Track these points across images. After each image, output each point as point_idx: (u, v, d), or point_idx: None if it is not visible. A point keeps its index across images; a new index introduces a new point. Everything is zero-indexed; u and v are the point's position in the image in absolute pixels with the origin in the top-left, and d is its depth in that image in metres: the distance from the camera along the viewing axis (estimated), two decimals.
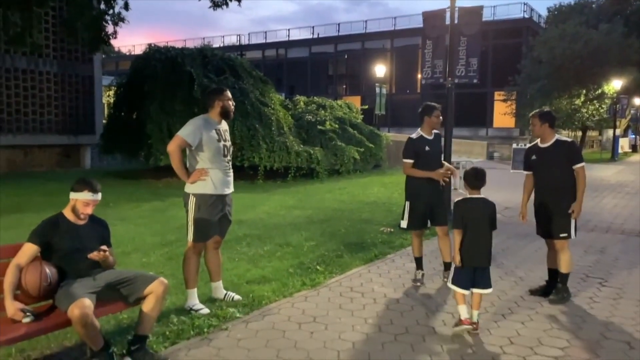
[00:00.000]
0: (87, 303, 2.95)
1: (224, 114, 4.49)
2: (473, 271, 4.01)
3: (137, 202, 11.07)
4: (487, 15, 39.30)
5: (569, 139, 5.06)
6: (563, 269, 4.78)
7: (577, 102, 27.54)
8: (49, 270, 3.13)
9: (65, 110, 18.66)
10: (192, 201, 4.37)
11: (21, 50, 16.00)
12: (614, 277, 5.59)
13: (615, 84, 27.34)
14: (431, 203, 5.23)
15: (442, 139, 5.72)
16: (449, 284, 4.12)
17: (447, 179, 5.31)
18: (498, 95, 36.91)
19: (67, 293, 3.05)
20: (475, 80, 8.47)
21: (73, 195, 3.35)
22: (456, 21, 8.34)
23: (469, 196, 4.21)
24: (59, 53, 18.28)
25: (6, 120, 16.97)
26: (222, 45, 51.07)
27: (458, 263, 4.02)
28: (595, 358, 3.58)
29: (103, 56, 20.26)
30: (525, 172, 5.12)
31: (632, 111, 38.08)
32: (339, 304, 4.60)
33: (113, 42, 15.90)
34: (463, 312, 3.98)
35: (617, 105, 29.02)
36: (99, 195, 3.41)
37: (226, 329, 3.96)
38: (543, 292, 4.91)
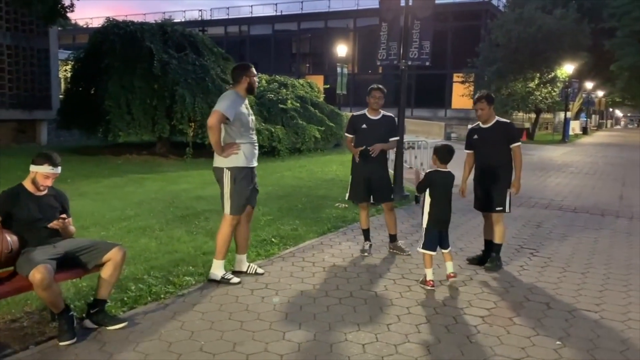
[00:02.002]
0: (48, 268, 3.14)
1: (250, 90, 4.60)
2: (439, 234, 4.65)
3: (96, 178, 11.06)
4: None
5: (507, 120, 5.45)
6: (497, 239, 5.21)
7: (532, 85, 28.45)
8: (10, 238, 3.30)
9: (20, 84, 18.15)
10: (227, 175, 4.47)
11: None
12: (545, 248, 6.08)
13: (567, 68, 28.35)
14: (370, 179, 5.53)
15: (395, 120, 5.94)
16: (419, 249, 4.71)
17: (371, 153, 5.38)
18: (457, 77, 37.66)
19: (28, 259, 3.23)
20: (427, 63, 8.79)
21: (33, 168, 3.49)
22: (410, 3, 8.62)
23: (438, 169, 4.72)
24: (12, 25, 17.70)
25: None
26: (183, 20, 50.13)
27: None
28: (515, 316, 4.00)
29: (59, 29, 19.64)
30: (467, 151, 5.47)
31: (583, 95, 39.55)
32: (290, 272, 4.90)
33: (70, 14, 15.43)
34: (429, 274, 4.63)
35: (569, 89, 30.17)
36: (59, 169, 3.57)
37: (182, 295, 4.21)
38: (479, 260, 5.34)
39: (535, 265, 5.38)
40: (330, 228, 6.70)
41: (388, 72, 38.70)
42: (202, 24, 48.32)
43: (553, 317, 4.01)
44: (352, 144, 5.65)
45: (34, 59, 18.55)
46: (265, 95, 18.32)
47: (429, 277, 4.62)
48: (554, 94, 29.13)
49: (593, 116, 61.35)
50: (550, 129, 45.62)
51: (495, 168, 5.16)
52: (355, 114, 5.73)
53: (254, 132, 4.69)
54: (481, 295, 4.46)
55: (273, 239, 5.98)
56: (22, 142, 18.51)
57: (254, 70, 4.64)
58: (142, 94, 14.89)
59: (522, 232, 6.89)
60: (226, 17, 51.11)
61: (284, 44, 48.30)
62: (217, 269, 4.59)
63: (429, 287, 4.56)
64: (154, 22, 17.59)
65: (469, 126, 5.91)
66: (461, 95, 36.04)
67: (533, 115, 33.21)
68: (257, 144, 4.72)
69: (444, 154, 4.73)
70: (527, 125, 34.15)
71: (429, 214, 4.66)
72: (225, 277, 4.56)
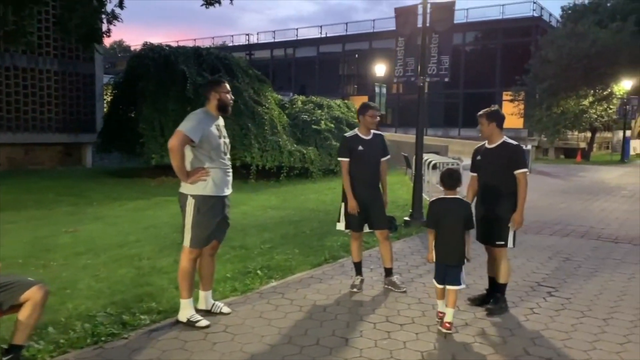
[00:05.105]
0: None
1: (221, 108, 4.16)
2: (444, 268, 4.13)
3: (122, 201, 11.02)
4: (495, 14, 38.93)
5: (515, 143, 4.75)
6: (501, 279, 4.53)
7: (585, 102, 26.89)
8: None
9: (66, 108, 18.75)
10: (190, 203, 4.02)
11: (21, 49, 16.06)
12: (567, 286, 5.29)
13: (625, 84, 26.63)
14: (366, 205, 4.99)
15: (385, 139, 5.39)
16: (433, 280, 4.25)
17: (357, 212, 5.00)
18: (506, 95, 36.28)
19: None
20: (446, 79, 8.20)
21: None
22: (428, 17, 8.08)
23: (443, 196, 4.26)
24: (59, 51, 18.35)
25: (6, 118, 17.09)
26: (231, 44, 51.20)
27: (431, 260, 4.20)
28: None
29: (119, 55, 20.30)
30: (471, 174, 4.81)
31: None
32: (260, 312, 4.39)
33: (130, 42, 15.84)
34: (441, 306, 4.21)
35: (627, 107, 28.29)
36: None
37: (126, 338, 3.79)
38: (481, 301, 4.66)
39: (549, 307, 4.64)
40: (328, 259, 6.15)
41: (435, 92, 37.79)
42: (249, 47, 49.19)
43: None
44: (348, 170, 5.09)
45: (80, 84, 19.14)
46: (300, 116, 18.08)
47: (441, 308, 4.20)
48: (610, 111, 27.40)
49: None
50: (610, 149, 43.18)
51: (497, 195, 4.48)
52: (347, 135, 5.24)
53: (228, 156, 4.24)
54: (472, 346, 3.80)
55: (259, 271, 5.49)
56: (68, 164, 19.03)
57: (226, 86, 4.19)
58: (176, 116, 14.88)
59: (546, 265, 6.10)
60: (272, 40, 51.70)
61: (330, 66, 48.17)
62: (183, 310, 4.10)
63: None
64: (203, 46, 17.73)
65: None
66: (511, 114, 34.61)
67: (588, 134, 31.37)
68: (230, 170, 4.25)
69: (446, 179, 4.25)
70: (583, 144, 32.31)
71: (435, 245, 4.16)
72: (192, 319, 4.05)
